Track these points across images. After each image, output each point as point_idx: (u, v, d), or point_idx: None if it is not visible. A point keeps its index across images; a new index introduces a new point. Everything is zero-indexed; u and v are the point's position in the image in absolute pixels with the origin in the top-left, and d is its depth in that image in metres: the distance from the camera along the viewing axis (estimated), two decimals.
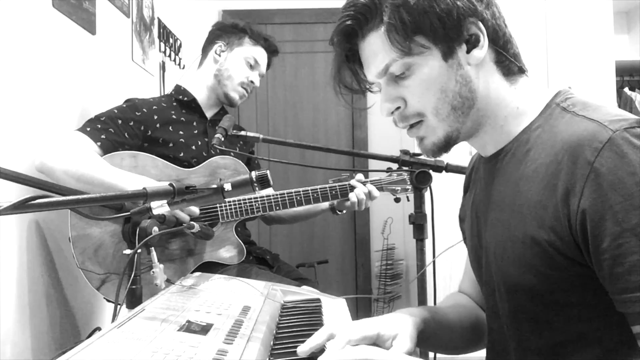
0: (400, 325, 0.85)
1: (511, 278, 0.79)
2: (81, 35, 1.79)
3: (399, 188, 1.75)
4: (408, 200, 1.48)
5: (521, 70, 0.84)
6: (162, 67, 2.63)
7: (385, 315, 0.89)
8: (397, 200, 1.78)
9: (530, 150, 0.79)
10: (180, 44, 2.94)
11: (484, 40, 0.79)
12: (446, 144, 0.83)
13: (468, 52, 0.79)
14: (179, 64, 2.89)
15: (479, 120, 0.82)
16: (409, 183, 1.71)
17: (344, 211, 1.83)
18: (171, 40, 2.78)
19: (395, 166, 1.43)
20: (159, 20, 2.61)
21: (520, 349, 0.82)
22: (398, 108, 0.83)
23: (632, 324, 0.66)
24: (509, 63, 0.82)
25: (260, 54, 1.87)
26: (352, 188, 1.71)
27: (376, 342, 0.82)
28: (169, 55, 2.74)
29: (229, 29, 1.86)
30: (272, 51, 1.91)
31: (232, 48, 1.83)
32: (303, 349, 0.80)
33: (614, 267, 0.66)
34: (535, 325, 0.79)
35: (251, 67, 1.85)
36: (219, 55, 1.83)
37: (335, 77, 0.88)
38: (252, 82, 1.85)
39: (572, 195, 0.68)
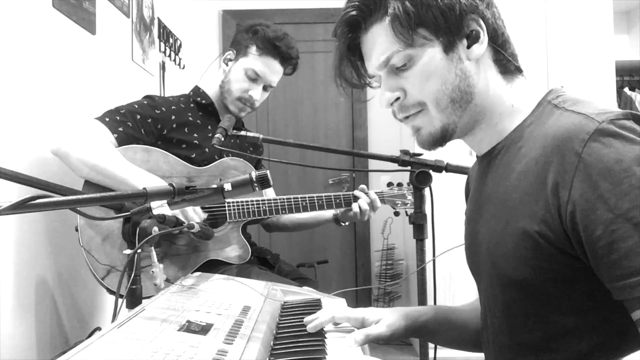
0: (385, 314, 0.97)
1: (504, 271, 0.80)
2: (81, 35, 1.79)
3: (399, 202, 1.77)
4: (407, 214, 1.50)
5: (518, 70, 0.86)
6: (162, 67, 2.63)
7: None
8: (397, 214, 1.81)
9: (523, 146, 0.80)
10: (180, 44, 2.94)
11: (484, 37, 0.81)
12: (442, 136, 0.85)
13: (468, 47, 0.81)
14: (179, 64, 2.89)
15: (476, 117, 0.84)
16: (408, 198, 1.75)
17: (347, 222, 1.84)
18: (171, 40, 2.79)
19: (395, 166, 1.44)
20: (159, 20, 2.61)
21: (514, 344, 0.83)
22: (398, 99, 0.85)
23: (632, 310, 0.66)
24: (506, 62, 0.85)
25: (264, 66, 1.73)
26: (356, 198, 1.73)
27: (362, 324, 0.97)
28: (169, 55, 2.74)
29: (242, 34, 1.77)
30: (285, 59, 1.76)
31: (238, 58, 1.76)
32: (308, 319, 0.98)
33: (609, 255, 0.65)
34: (528, 319, 0.80)
35: (253, 80, 1.73)
36: (227, 65, 1.79)
37: (337, 70, 0.90)
38: (251, 96, 1.74)
39: (562, 187, 0.69)
